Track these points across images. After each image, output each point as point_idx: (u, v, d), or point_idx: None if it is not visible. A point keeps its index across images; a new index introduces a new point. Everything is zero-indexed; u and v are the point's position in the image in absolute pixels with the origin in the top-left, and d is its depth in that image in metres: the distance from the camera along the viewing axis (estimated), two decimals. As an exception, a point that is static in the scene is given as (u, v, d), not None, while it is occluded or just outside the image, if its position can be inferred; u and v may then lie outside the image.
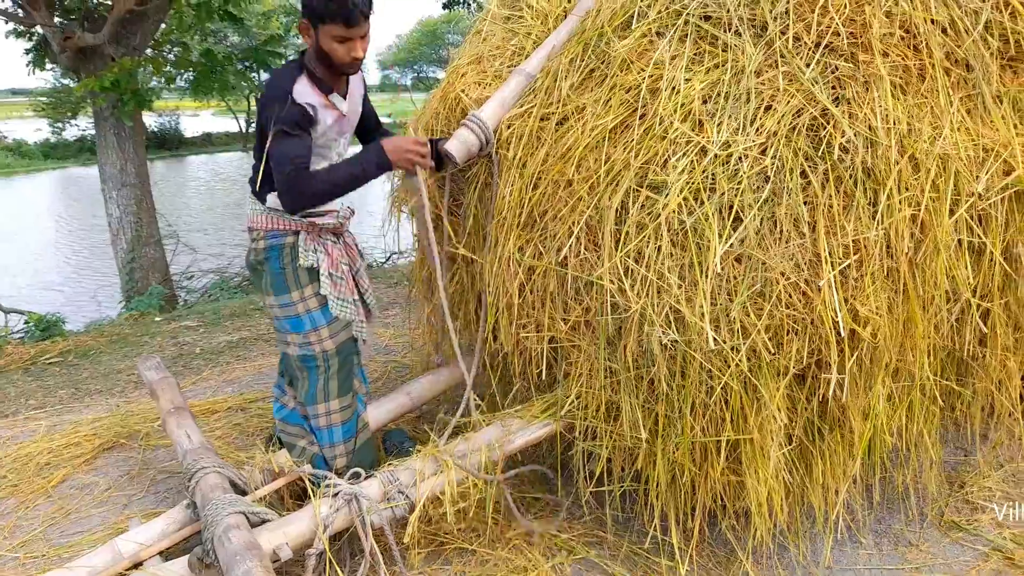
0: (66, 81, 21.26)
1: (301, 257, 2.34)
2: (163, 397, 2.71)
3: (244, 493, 2.24)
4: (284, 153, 2.15)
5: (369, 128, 2.58)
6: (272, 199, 2.32)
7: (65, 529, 2.59)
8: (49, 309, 6.59)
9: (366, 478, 2.20)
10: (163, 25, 7.85)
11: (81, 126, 26.20)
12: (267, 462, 2.33)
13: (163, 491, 2.81)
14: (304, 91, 2.19)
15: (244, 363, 4.26)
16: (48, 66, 7.55)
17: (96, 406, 3.71)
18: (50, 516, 2.66)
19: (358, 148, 2.50)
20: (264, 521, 2.06)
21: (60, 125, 26.71)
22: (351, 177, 2.23)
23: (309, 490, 2.16)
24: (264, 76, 8.77)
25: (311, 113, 2.19)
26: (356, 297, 2.49)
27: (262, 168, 2.27)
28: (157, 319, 5.75)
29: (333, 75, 2.27)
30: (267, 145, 2.17)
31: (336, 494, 2.10)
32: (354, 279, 2.52)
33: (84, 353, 4.78)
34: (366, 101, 2.53)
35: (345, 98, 2.34)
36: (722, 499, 2.14)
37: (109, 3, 6.59)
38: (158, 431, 3.20)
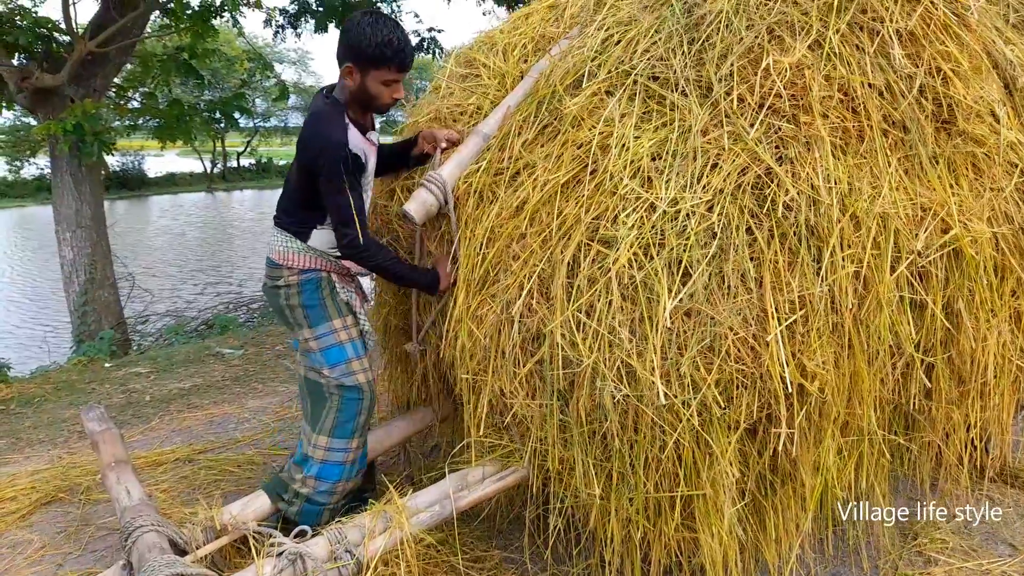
0: (26, 119, 20.95)
1: (340, 291, 2.43)
2: (105, 450, 2.61)
3: (184, 553, 2.15)
4: (347, 205, 2.25)
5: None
6: (317, 239, 2.39)
7: (-8, 592, 2.47)
8: (-4, 354, 6.39)
9: (312, 536, 2.13)
10: (128, 65, 7.82)
11: (40, 164, 25.78)
12: (209, 519, 2.25)
13: (101, 549, 2.69)
14: (354, 138, 2.29)
15: (195, 412, 4.15)
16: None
17: (37, 457, 3.57)
18: (-23, 578, 2.53)
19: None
20: (203, 584, 1.98)
21: (18, 163, 26.24)
22: (402, 275, 2.43)
23: (253, 550, 2.09)
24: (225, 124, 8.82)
25: (362, 160, 2.32)
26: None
27: (298, 203, 2.38)
28: (107, 365, 5.60)
29: (366, 114, 2.41)
30: (325, 192, 2.26)
31: (280, 554, 2.03)
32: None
33: (28, 401, 4.62)
34: None
35: (374, 130, 2.50)
36: (677, 556, 2.11)
37: (69, 41, 6.55)
38: (100, 485, 3.08)
